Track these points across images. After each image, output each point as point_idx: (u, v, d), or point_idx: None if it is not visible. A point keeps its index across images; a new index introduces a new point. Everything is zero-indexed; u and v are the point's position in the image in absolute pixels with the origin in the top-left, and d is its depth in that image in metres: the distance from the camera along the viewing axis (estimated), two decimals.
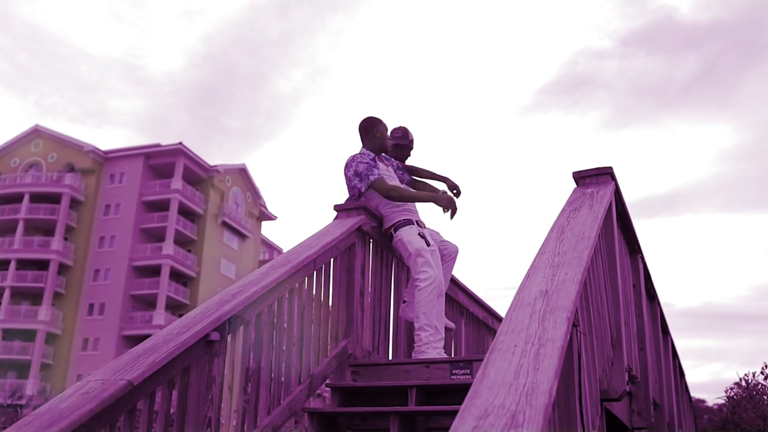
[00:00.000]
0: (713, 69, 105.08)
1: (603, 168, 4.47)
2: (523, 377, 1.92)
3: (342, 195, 5.68)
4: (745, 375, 6.96)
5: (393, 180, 5.20)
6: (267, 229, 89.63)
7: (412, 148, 5.76)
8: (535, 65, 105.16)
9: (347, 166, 5.09)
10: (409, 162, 5.74)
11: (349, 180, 5.08)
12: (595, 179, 4.46)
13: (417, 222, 5.07)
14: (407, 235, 4.97)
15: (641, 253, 5.54)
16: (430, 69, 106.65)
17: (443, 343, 5.00)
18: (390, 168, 5.33)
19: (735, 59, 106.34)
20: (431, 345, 4.78)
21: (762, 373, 7.22)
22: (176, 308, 50.68)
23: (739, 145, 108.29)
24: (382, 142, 5.23)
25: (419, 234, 5.00)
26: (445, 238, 5.45)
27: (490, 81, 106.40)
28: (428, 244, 4.99)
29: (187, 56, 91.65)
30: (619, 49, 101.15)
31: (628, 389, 3.99)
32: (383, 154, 5.34)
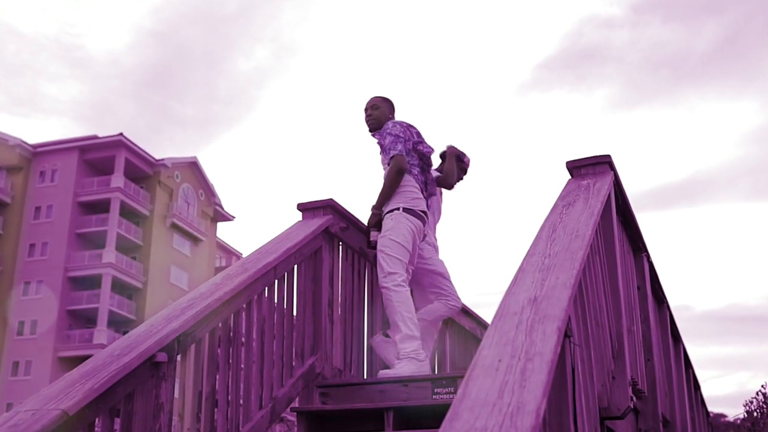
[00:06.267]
0: (737, 38, 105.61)
1: (600, 156, 4.54)
2: (507, 396, 1.97)
3: (310, 192, 5.74)
4: (762, 386, 7.09)
5: None
6: (224, 231, 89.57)
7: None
8: (535, 36, 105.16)
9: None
10: None
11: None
12: (591, 169, 4.52)
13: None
14: None
15: (646, 251, 5.62)
16: (413, 42, 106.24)
17: None
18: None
19: (762, 26, 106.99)
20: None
21: None
22: (120, 324, 50.35)
23: (767, 124, 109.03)
24: None
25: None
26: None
27: (482, 55, 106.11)
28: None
29: (132, 34, 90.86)
30: (630, 17, 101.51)
31: (632, 405, 4.06)
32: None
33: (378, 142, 5.38)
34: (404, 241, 5.04)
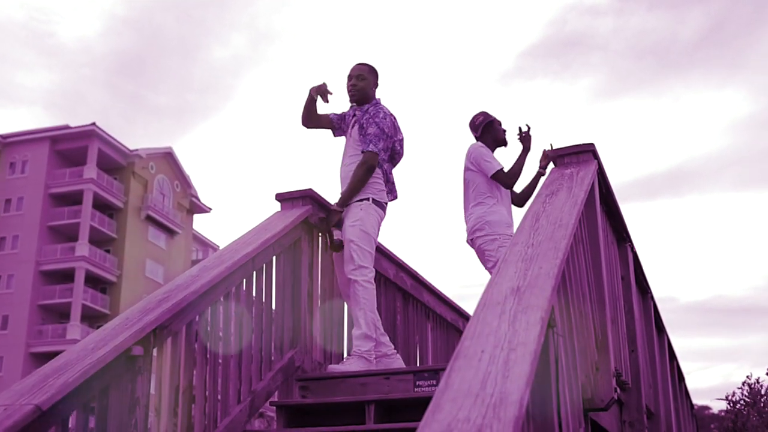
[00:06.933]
0: (723, 26, 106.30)
1: (583, 145, 4.56)
2: (490, 387, 1.98)
3: (288, 182, 5.69)
4: (747, 377, 7.20)
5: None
6: (200, 223, 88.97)
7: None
8: (518, 24, 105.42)
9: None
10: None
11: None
12: (574, 158, 4.55)
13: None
14: None
15: (630, 241, 5.66)
16: (395, 29, 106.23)
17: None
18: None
19: (747, 14, 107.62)
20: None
21: None
22: (94, 319, 50.07)
23: (754, 113, 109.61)
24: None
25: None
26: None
27: (465, 43, 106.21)
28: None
29: (104, 20, 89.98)
30: (614, 4, 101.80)
31: (616, 397, 4.09)
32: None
33: (359, 119, 5.24)
34: (374, 233, 5.03)
